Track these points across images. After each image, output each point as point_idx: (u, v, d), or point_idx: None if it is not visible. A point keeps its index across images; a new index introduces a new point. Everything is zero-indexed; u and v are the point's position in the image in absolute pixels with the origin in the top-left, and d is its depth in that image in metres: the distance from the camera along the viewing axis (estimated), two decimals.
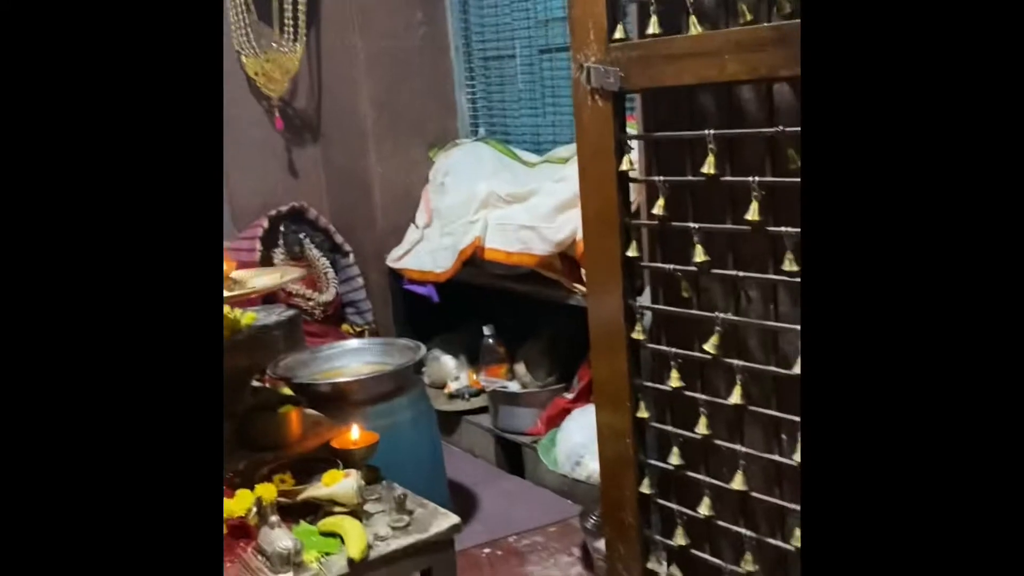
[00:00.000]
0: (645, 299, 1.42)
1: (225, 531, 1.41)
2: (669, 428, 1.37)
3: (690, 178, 1.26)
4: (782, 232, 1.14)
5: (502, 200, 2.58)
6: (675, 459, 1.35)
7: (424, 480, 2.05)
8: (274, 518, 1.37)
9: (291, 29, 2.95)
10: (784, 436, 1.26)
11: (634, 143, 1.35)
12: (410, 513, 1.52)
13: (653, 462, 1.41)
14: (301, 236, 3.03)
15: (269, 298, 2.41)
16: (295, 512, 1.51)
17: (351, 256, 3.11)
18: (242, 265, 1.98)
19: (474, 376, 2.90)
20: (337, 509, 1.51)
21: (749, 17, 1.16)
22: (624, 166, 1.32)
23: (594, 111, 1.32)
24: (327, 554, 1.42)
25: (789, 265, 1.13)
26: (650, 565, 1.44)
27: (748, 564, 1.28)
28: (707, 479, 1.32)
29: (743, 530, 1.29)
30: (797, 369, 1.16)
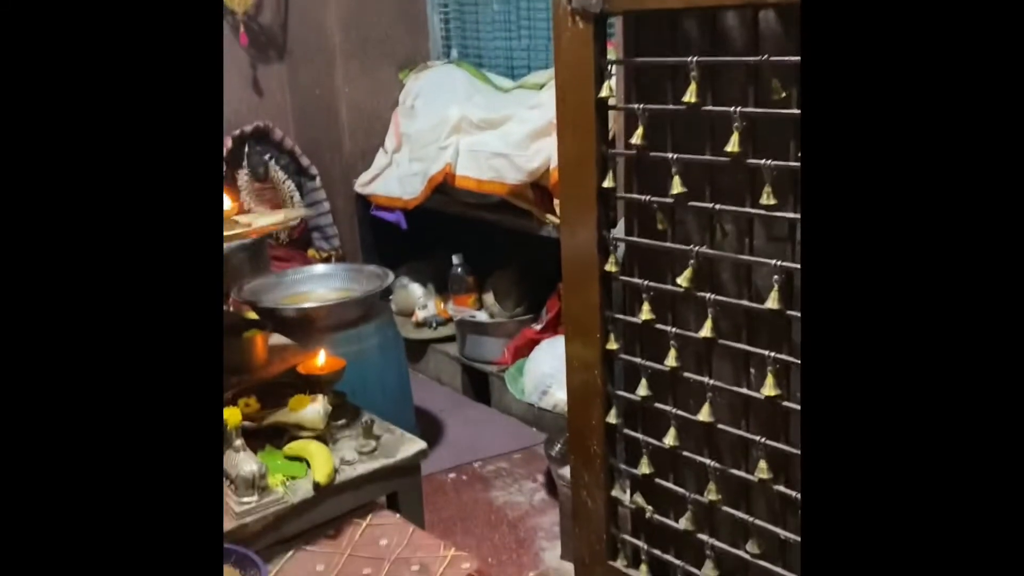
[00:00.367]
0: (619, 231, 1.41)
1: None
2: (638, 360, 1.37)
3: (671, 107, 1.23)
4: (761, 165, 1.12)
5: (474, 126, 2.52)
6: (643, 390, 1.36)
7: (391, 406, 2.05)
8: (238, 442, 1.36)
9: None
10: (752, 370, 1.27)
11: (614, 70, 1.31)
12: (377, 438, 1.52)
13: (621, 393, 1.41)
14: (266, 157, 2.95)
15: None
16: (261, 436, 1.51)
17: (317, 180, 3.05)
18: None
19: (442, 305, 2.89)
20: (303, 434, 1.50)
21: None
22: (603, 93, 1.28)
23: (574, 34, 1.28)
24: (292, 478, 1.42)
25: (766, 199, 1.12)
26: (614, 493, 1.46)
27: (711, 494, 1.31)
28: (674, 410, 1.33)
29: (708, 460, 1.30)
30: (769, 303, 1.15)
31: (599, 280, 1.36)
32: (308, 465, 1.44)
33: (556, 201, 2.23)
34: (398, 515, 1.48)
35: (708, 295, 1.24)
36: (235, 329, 1.68)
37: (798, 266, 1.14)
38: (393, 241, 2.96)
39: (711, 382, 1.28)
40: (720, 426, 1.28)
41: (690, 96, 1.17)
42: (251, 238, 1.73)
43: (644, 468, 1.40)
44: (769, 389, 1.18)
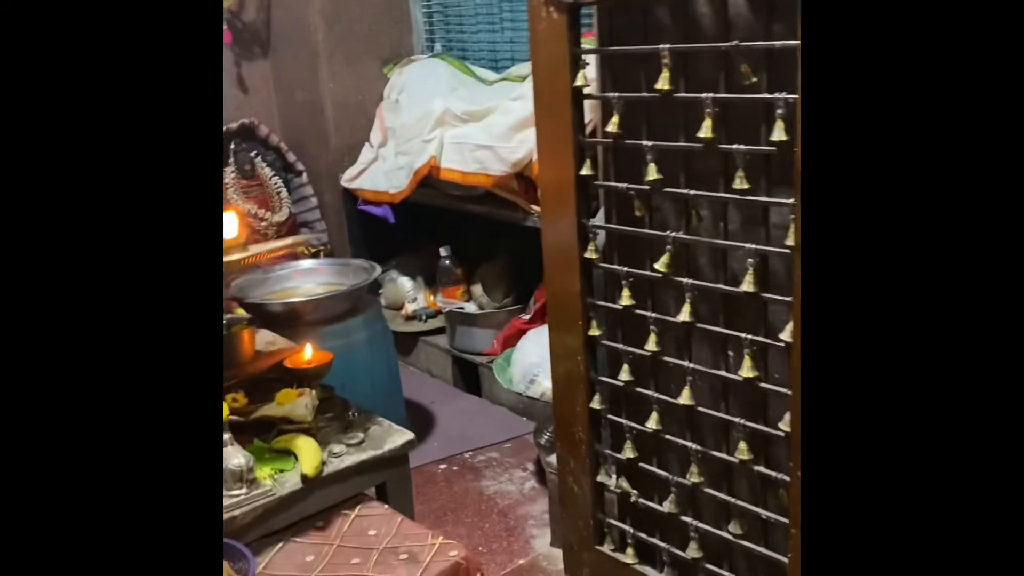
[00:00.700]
0: (599, 219, 1.42)
1: None
2: (620, 346, 1.38)
3: (644, 95, 1.25)
4: (733, 150, 1.13)
5: (458, 118, 2.53)
6: (625, 375, 1.38)
7: (381, 399, 2.07)
8: (227, 436, 1.37)
9: None
10: (731, 352, 1.28)
11: (590, 59, 1.32)
12: (365, 430, 1.53)
13: (604, 379, 1.43)
14: (252, 155, 2.95)
15: None
16: (249, 430, 1.52)
17: (304, 175, 3.05)
18: None
19: (431, 297, 2.90)
20: (291, 427, 1.51)
21: None
22: (579, 82, 1.29)
23: (549, 24, 1.29)
24: (281, 471, 1.43)
25: (739, 183, 1.14)
26: (600, 478, 1.48)
27: (694, 476, 1.33)
28: (656, 395, 1.35)
29: (689, 443, 1.32)
30: (745, 287, 1.17)
31: (579, 268, 1.38)
32: (296, 458, 1.45)
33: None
34: (386, 506, 1.49)
35: (686, 280, 1.26)
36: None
37: (772, 249, 1.16)
38: (381, 235, 2.96)
39: (691, 365, 1.29)
40: (701, 409, 1.30)
41: (663, 83, 1.18)
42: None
43: (628, 453, 1.41)
44: (747, 371, 1.20)
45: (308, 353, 1.65)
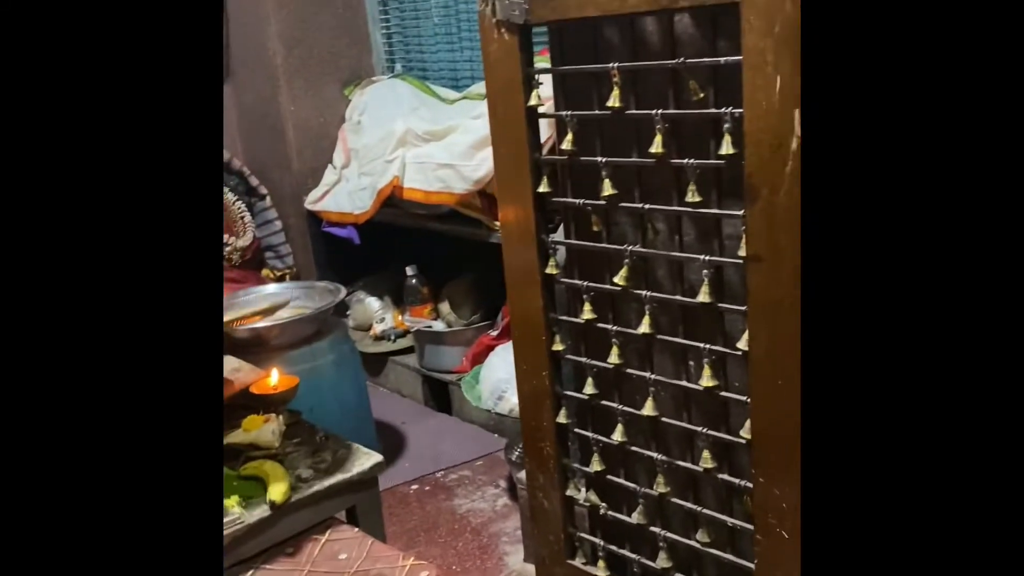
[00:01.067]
0: (559, 235, 1.44)
1: None
2: (584, 360, 1.40)
3: (596, 112, 1.27)
4: (685, 164, 1.16)
5: (419, 138, 2.54)
6: (589, 389, 1.39)
7: (350, 421, 2.06)
8: None
9: None
10: (691, 362, 1.30)
11: (544, 78, 1.34)
12: (333, 454, 1.53)
13: (569, 393, 1.44)
14: None
15: None
16: None
17: (268, 199, 3.04)
18: None
19: (399, 317, 2.90)
20: (258, 454, 1.51)
21: None
22: (533, 101, 1.31)
23: (500, 45, 1.30)
24: (248, 498, 1.42)
25: (692, 196, 1.16)
26: (569, 492, 1.49)
27: (660, 486, 1.34)
28: (620, 407, 1.36)
29: (655, 454, 1.34)
30: (701, 297, 1.19)
31: (541, 283, 1.39)
32: (264, 485, 1.44)
33: None
34: (357, 529, 1.49)
35: (645, 292, 1.27)
36: None
37: (726, 260, 1.18)
38: (347, 257, 2.96)
39: (653, 377, 1.31)
40: (664, 419, 1.31)
41: (614, 101, 1.20)
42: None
43: (596, 466, 1.42)
44: (707, 380, 1.22)
45: (274, 378, 1.64)
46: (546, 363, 1.43)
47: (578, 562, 1.51)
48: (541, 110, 1.33)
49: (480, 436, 2.48)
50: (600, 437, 1.41)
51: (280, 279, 2.95)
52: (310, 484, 1.47)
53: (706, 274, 1.18)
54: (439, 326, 2.72)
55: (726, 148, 1.08)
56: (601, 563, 1.48)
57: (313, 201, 2.90)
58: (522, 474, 1.78)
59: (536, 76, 1.31)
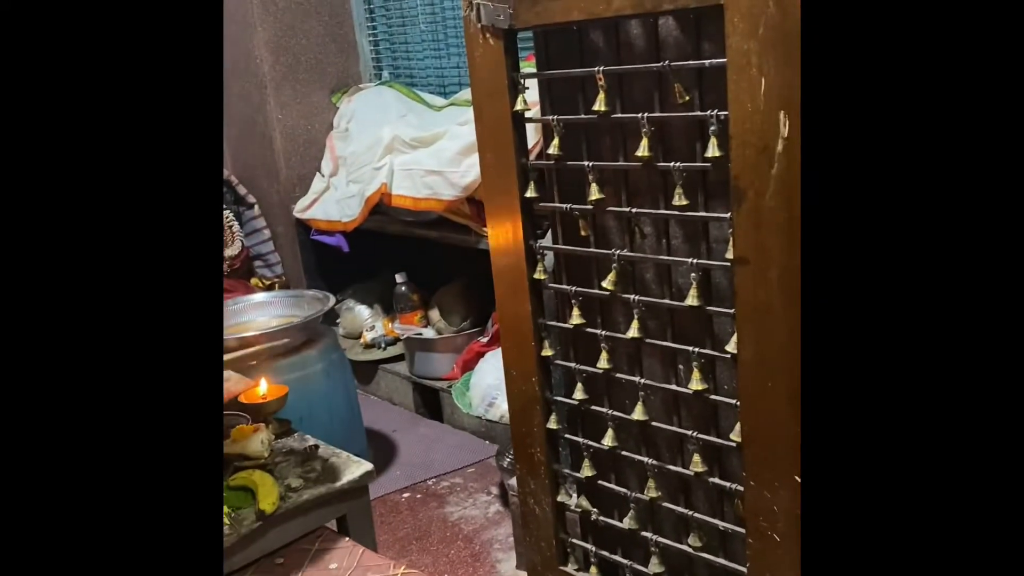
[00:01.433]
0: (547, 240, 1.43)
1: None
2: (573, 365, 1.39)
3: (582, 116, 1.27)
4: (671, 167, 1.16)
5: (407, 145, 2.54)
6: (579, 394, 1.38)
7: (341, 430, 2.05)
8: None
9: None
10: (680, 366, 1.30)
11: (530, 83, 1.34)
12: (323, 463, 1.52)
13: (559, 398, 1.44)
14: None
15: None
16: None
17: (256, 208, 3.03)
18: None
19: (389, 324, 2.89)
20: (247, 464, 1.49)
21: None
22: (519, 106, 1.31)
23: (486, 50, 1.30)
24: (238, 508, 1.41)
25: (679, 199, 1.16)
26: (560, 498, 1.48)
27: (651, 491, 1.33)
28: (610, 412, 1.36)
29: (645, 458, 1.33)
30: (689, 300, 1.19)
31: (529, 289, 1.39)
32: (253, 495, 1.43)
33: None
34: (347, 538, 1.48)
35: (633, 296, 1.27)
36: None
37: (714, 263, 1.18)
38: (336, 265, 2.95)
39: (642, 381, 1.30)
40: (654, 423, 1.31)
41: (599, 105, 1.20)
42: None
43: (587, 471, 1.42)
44: (696, 383, 1.22)
45: (263, 387, 1.63)
46: (535, 369, 1.42)
47: (570, 568, 1.50)
48: (527, 115, 1.33)
49: (471, 443, 2.47)
50: (590, 442, 1.40)
51: (269, 288, 2.93)
52: (300, 494, 1.46)
53: (694, 277, 1.18)
54: (429, 333, 2.71)
55: (712, 151, 1.08)
56: (593, 569, 1.47)
57: (302, 209, 2.89)
58: (513, 480, 1.77)
59: (522, 81, 1.31)
